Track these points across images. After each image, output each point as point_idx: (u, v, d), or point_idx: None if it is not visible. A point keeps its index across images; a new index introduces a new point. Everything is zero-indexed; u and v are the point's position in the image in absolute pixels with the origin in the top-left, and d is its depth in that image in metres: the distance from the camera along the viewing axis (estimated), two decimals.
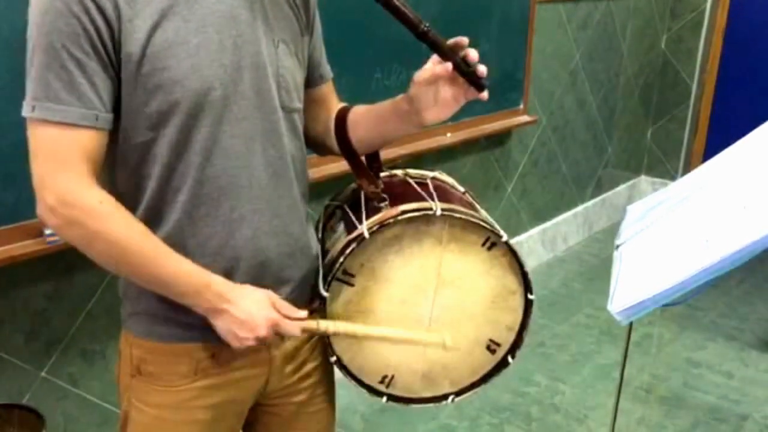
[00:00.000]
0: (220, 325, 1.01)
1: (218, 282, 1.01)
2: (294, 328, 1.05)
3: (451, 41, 1.03)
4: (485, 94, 1.06)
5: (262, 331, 1.02)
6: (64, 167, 0.92)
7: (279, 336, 1.05)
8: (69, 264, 1.81)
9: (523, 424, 2.47)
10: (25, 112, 0.92)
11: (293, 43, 1.08)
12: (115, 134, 0.97)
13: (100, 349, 1.94)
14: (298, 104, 1.10)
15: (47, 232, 1.64)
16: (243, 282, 1.05)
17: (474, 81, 1.04)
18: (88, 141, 0.93)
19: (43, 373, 1.83)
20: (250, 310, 1.01)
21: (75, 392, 1.91)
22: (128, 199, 0.99)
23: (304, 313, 1.07)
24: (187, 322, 1.04)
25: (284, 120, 1.06)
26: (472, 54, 1.02)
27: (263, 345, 1.06)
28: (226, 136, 0.99)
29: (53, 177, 0.92)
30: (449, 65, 1.01)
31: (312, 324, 1.07)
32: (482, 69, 1.03)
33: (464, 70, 1.03)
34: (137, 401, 1.10)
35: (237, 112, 1.00)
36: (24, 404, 1.75)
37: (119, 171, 1.00)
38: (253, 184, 1.03)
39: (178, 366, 1.07)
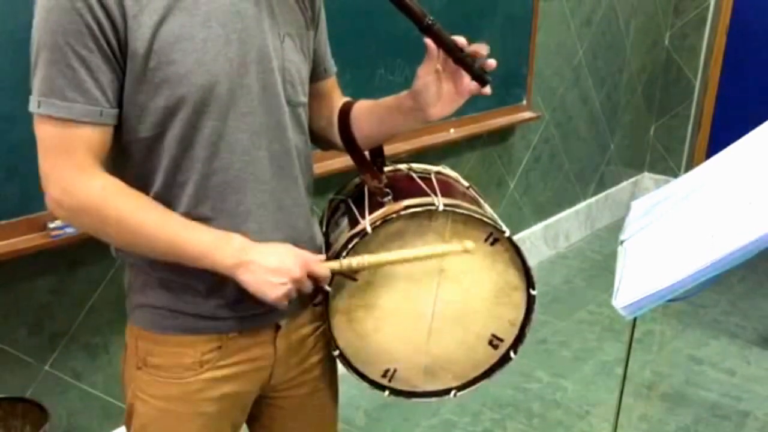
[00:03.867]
0: (250, 278, 0.99)
1: (237, 236, 1.00)
2: (323, 268, 1.03)
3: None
4: (488, 89, 1.06)
5: (297, 272, 0.99)
6: (67, 160, 0.93)
7: (312, 280, 1.03)
8: (73, 258, 1.81)
9: (525, 420, 2.47)
10: (31, 107, 0.93)
11: (299, 37, 1.08)
12: (121, 130, 0.98)
13: (103, 343, 1.94)
14: (303, 98, 1.11)
15: (51, 225, 1.65)
16: None
17: (477, 76, 1.04)
18: (92, 136, 0.94)
19: (46, 367, 1.84)
20: (277, 255, 1.00)
21: (78, 386, 1.92)
22: None
23: (322, 256, 1.07)
24: (193, 314, 1.05)
25: (289, 114, 1.06)
26: (482, 50, 1.02)
27: (298, 292, 1.02)
28: (232, 131, 1.00)
29: (58, 170, 0.94)
30: (442, 56, 1.01)
31: (335, 264, 1.05)
32: (491, 62, 1.03)
33: (468, 65, 1.02)
34: (142, 393, 1.10)
35: (242, 107, 1.00)
36: (27, 398, 1.76)
37: (125, 166, 1.01)
38: (259, 179, 1.03)
39: (183, 358, 1.08)
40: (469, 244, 1.10)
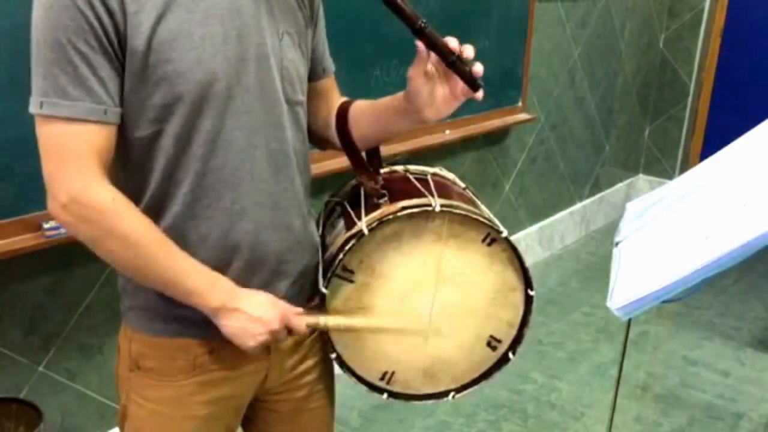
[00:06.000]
0: (232, 324, 1.01)
1: (227, 282, 1.02)
2: (300, 323, 1.05)
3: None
4: (480, 94, 1.04)
5: (275, 324, 1.02)
6: (74, 164, 0.91)
7: (287, 331, 1.05)
8: (67, 258, 1.81)
9: (520, 421, 2.47)
10: (33, 109, 0.91)
11: (297, 35, 1.08)
12: (119, 129, 0.97)
13: (97, 344, 1.94)
14: (302, 97, 1.10)
15: (46, 226, 1.64)
16: (242, 274, 1.05)
17: (468, 80, 1.03)
18: (97, 136, 0.92)
19: (40, 368, 1.83)
20: (260, 306, 1.02)
21: (73, 387, 1.91)
22: (131, 192, 0.99)
23: (300, 309, 1.08)
24: (186, 318, 1.04)
25: (287, 113, 1.06)
26: (467, 51, 1.01)
27: (274, 342, 1.06)
28: (230, 129, 0.99)
29: (64, 174, 0.92)
30: (434, 58, 1.00)
31: (312, 319, 1.07)
32: (478, 68, 1.02)
33: (459, 69, 1.01)
34: (136, 396, 1.10)
35: (240, 105, 0.99)
36: (22, 398, 1.75)
37: (123, 165, 1.00)
38: (255, 177, 1.03)
39: (176, 361, 1.07)
40: (445, 329, 1.14)
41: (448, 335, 1.16)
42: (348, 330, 1.12)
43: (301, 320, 1.06)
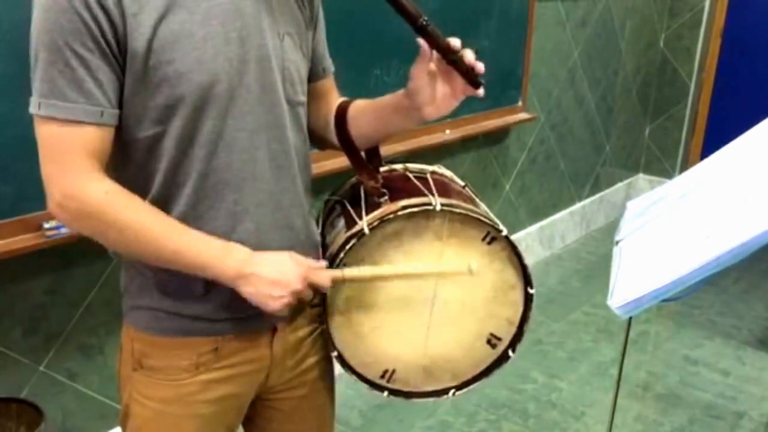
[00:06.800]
0: (250, 290, 1.00)
1: (239, 247, 1.01)
2: (324, 278, 1.04)
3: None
4: (481, 91, 1.05)
5: (297, 284, 1.01)
6: (69, 163, 0.92)
7: (312, 289, 1.04)
8: (68, 258, 1.81)
9: (520, 421, 2.47)
10: (32, 109, 0.93)
11: (298, 36, 1.08)
12: (120, 130, 0.97)
13: (98, 344, 1.94)
14: (303, 98, 1.10)
15: (46, 226, 1.64)
16: None
17: (469, 78, 1.03)
18: (93, 137, 0.93)
19: (41, 368, 1.83)
20: (278, 267, 1.01)
21: (73, 386, 1.91)
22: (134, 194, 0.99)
23: (324, 263, 1.07)
24: (189, 316, 1.04)
25: (288, 113, 1.06)
26: (468, 55, 1.02)
27: (299, 303, 1.05)
28: (231, 130, 0.99)
29: (60, 173, 0.93)
30: (436, 56, 1.01)
31: (338, 273, 1.06)
32: (479, 66, 1.03)
33: (460, 66, 1.02)
34: (138, 395, 1.10)
35: (242, 106, 1.00)
36: (22, 398, 1.75)
37: (125, 168, 1.00)
38: (257, 178, 1.03)
39: (179, 360, 1.07)
40: (474, 264, 1.11)
41: (448, 333, 1.16)
42: (375, 278, 1.09)
43: (325, 275, 1.04)
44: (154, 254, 0.98)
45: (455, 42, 1.01)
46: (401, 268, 1.10)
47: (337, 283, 1.07)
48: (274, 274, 1.00)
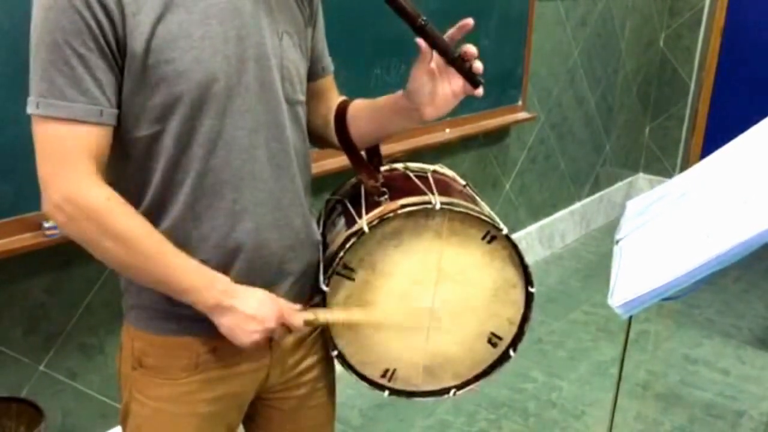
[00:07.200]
0: (226, 322, 1.01)
1: (223, 279, 1.01)
2: (298, 320, 1.05)
3: (454, 29, 1.02)
4: (480, 91, 1.05)
5: (271, 322, 1.02)
6: (69, 164, 0.92)
7: (285, 328, 1.05)
8: (68, 257, 1.81)
9: (521, 420, 2.47)
10: (30, 109, 0.92)
11: (297, 34, 1.08)
12: (119, 130, 0.97)
13: (98, 343, 1.94)
14: (302, 96, 1.10)
15: (46, 225, 1.64)
16: (244, 274, 1.05)
17: (469, 77, 1.03)
18: (93, 137, 0.92)
19: (41, 367, 1.83)
20: (256, 304, 1.02)
21: (73, 386, 1.91)
22: (132, 194, 0.99)
23: (299, 306, 1.08)
24: (189, 316, 1.04)
25: (288, 112, 1.06)
26: (471, 50, 1.02)
27: (269, 339, 1.06)
28: (230, 129, 0.99)
29: (59, 174, 0.92)
30: (435, 55, 1.01)
31: (310, 315, 1.07)
32: (478, 65, 1.03)
33: (460, 66, 1.02)
34: (138, 394, 1.10)
35: (241, 105, 0.99)
36: (22, 397, 1.75)
37: (123, 167, 1.00)
38: (256, 177, 1.03)
39: (179, 359, 1.07)
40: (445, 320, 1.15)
41: (449, 332, 1.16)
42: (346, 324, 1.12)
43: (299, 317, 1.06)
44: (141, 267, 0.97)
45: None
46: (373, 315, 1.12)
47: (309, 324, 1.09)
48: (251, 310, 1.01)
